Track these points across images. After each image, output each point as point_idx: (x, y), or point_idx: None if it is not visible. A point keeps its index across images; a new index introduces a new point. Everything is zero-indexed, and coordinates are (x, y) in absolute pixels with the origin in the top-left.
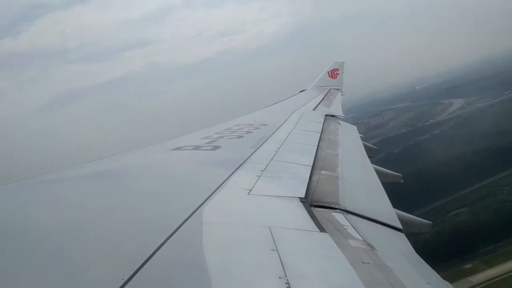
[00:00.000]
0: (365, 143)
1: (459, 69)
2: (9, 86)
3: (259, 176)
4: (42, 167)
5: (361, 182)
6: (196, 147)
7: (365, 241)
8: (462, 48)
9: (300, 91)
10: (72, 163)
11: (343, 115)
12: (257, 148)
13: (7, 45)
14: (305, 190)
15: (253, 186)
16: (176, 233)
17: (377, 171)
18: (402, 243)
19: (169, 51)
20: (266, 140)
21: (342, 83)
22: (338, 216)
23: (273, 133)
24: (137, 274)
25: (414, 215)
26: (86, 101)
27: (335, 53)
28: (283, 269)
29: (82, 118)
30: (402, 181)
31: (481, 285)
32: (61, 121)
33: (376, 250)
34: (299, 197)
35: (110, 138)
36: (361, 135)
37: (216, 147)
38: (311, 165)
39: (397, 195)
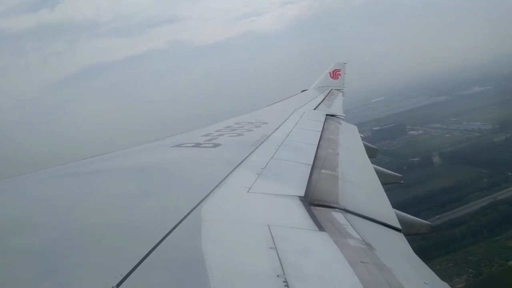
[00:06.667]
0: (366, 143)
1: None
2: (35, 59)
3: (259, 174)
4: (48, 146)
5: (361, 181)
6: (196, 145)
7: (364, 240)
8: None
9: (302, 91)
10: (78, 143)
11: (344, 115)
12: (257, 146)
13: (43, 16)
14: (305, 188)
15: (253, 184)
16: (175, 230)
17: (377, 171)
18: (400, 243)
19: (194, 30)
20: (267, 138)
21: (343, 84)
22: (338, 215)
23: (273, 131)
24: (134, 272)
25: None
26: (105, 77)
27: (358, 40)
28: (281, 267)
29: (95, 96)
30: (402, 181)
31: None
32: (73, 98)
33: (375, 250)
34: (298, 196)
35: (120, 117)
36: (361, 135)
37: (216, 145)
38: (311, 164)
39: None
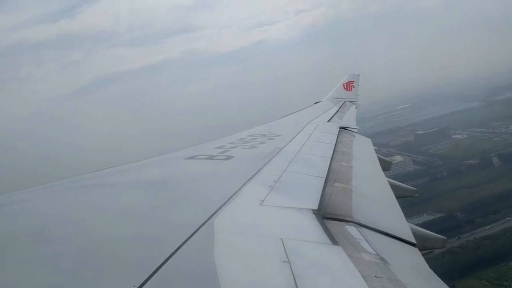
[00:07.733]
0: (380, 155)
1: None
2: (54, 67)
3: (272, 187)
4: (65, 154)
5: (375, 195)
6: (210, 157)
7: (378, 255)
8: None
9: (315, 103)
10: (94, 151)
11: (358, 127)
12: (271, 159)
13: (63, 26)
14: (318, 202)
15: (266, 197)
16: (187, 242)
17: (391, 185)
18: (415, 257)
19: (208, 39)
20: (280, 151)
21: (357, 96)
22: (351, 229)
23: (286, 144)
24: (147, 282)
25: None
26: (121, 86)
27: (374, 48)
28: (295, 281)
29: (111, 105)
30: (417, 195)
31: None
32: (90, 107)
33: (389, 265)
34: (312, 209)
35: (135, 127)
36: (375, 148)
37: (229, 157)
38: (325, 177)
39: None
